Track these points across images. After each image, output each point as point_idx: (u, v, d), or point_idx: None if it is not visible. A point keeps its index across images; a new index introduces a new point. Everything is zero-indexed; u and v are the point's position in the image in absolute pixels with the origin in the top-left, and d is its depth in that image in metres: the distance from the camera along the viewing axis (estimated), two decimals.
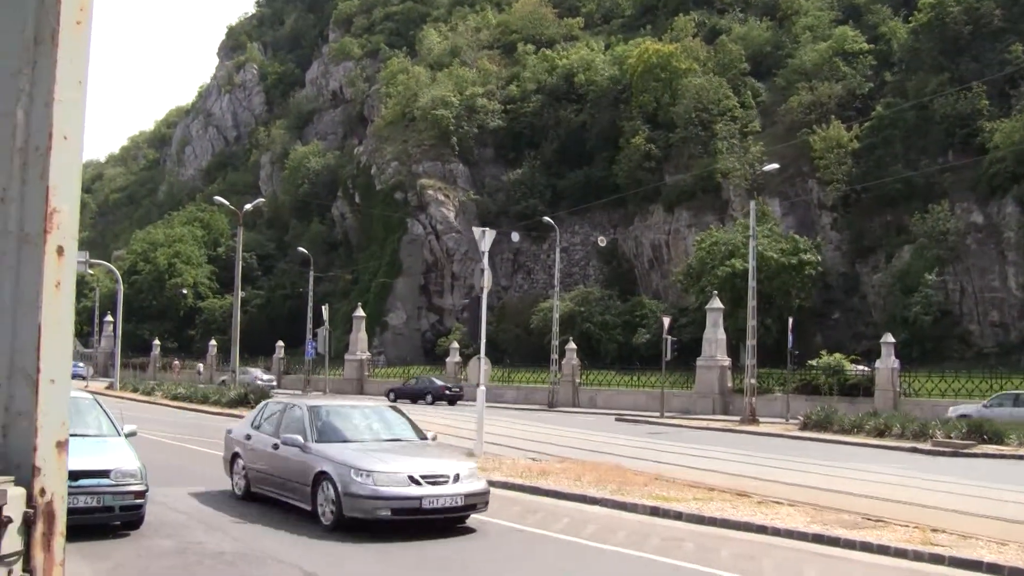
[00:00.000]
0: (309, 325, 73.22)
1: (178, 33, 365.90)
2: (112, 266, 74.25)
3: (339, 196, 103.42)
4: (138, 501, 12.78)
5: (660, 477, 20.07)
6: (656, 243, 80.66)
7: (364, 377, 74.53)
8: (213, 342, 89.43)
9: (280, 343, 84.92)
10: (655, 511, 16.06)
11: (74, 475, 11.52)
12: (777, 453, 28.91)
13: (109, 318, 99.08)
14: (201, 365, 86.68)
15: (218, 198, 63.35)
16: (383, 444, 15.15)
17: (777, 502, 16.71)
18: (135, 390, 54.28)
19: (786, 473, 22.75)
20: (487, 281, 25.50)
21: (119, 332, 61.17)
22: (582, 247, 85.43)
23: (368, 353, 78.20)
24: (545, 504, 17.19)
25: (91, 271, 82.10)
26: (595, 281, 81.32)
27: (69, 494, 10.46)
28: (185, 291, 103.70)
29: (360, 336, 76.84)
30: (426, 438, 15.80)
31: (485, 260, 25.45)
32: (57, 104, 3.12)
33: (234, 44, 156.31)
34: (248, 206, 60.38)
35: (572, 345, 63.62)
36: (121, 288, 52.41)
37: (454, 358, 69.38)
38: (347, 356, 75.17)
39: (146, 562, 11.44)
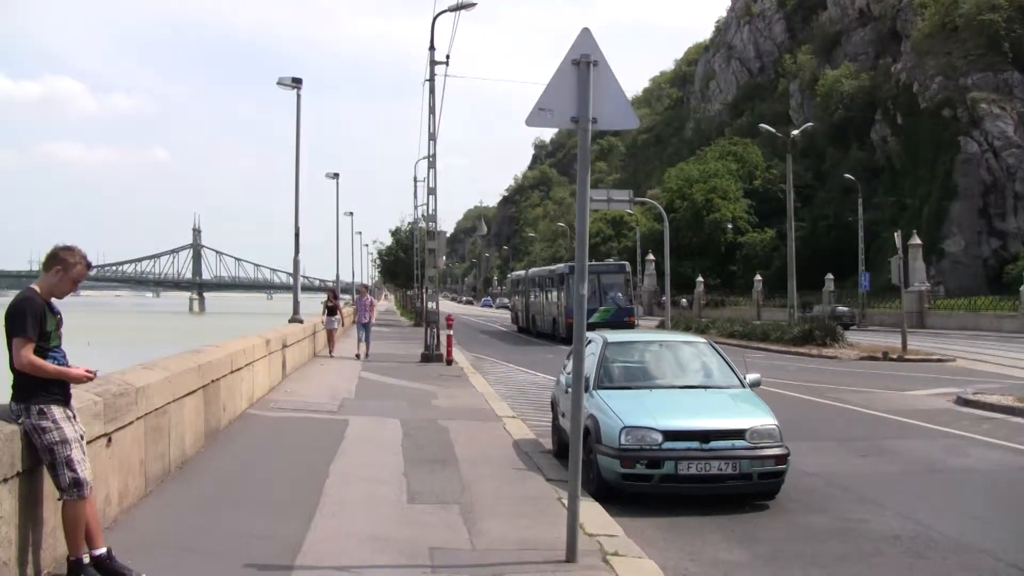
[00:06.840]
0: (861, 256, 71.51)
1: None
2: (656, 203, 74.60)
3: (877, 119, 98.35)
4: (779, 467, 10.96)
5: None
6: None
7: (924, 309, 70.72)
8: (758, 277, 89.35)
9: (829, 275, 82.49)
10: None
11: (705, 436, 10.98)
12: None
13: (650, 256, 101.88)
14: None
15: (764, 125, 64.01)
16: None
17: None
18: (687, 328, 52.39)
19: None
20: None
21: (668, 270, 58.02)
22: None
23: (927, 284, 74.10)
24: None
25: (630, 211, 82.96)
26: None
27: (700, 459, 11.02)
28: (730, 226, 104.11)
29: (917, 266, 72.95)
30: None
31: None
32: None
33: None
34: (795, 132, 58.39)
35: None
36: (667, 225, 52.17)
37: None
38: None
39: (807, 547, 9.33)
